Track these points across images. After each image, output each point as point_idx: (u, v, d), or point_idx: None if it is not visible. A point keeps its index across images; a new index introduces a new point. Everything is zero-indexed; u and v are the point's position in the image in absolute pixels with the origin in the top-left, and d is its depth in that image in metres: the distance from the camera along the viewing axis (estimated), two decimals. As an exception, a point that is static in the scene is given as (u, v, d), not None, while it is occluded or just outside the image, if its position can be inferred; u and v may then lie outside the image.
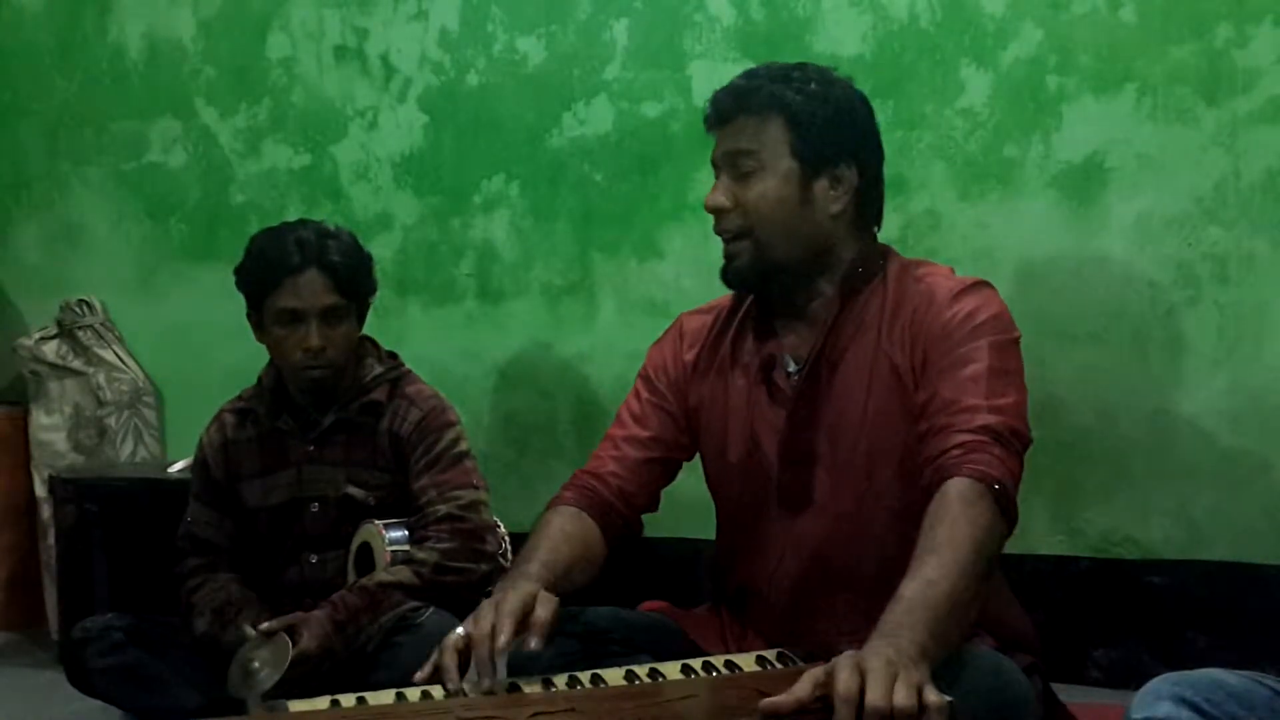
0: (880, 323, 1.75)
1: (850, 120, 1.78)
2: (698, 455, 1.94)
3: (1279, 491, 2.65)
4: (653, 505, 1.92)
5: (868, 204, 1.80)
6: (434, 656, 1.52)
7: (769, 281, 1.79)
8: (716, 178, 1.79)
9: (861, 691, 1.25)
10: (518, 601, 1.55)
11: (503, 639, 1.50)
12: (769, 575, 1.81)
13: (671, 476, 1.93)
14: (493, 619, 1.52)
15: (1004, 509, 1.56)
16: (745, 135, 1.75)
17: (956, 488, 1.55)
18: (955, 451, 1.59)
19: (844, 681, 1.25)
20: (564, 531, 1.78)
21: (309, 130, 3.50)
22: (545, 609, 1.55)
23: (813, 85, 1.76)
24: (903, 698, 1.25)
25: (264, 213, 3.42)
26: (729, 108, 1.77)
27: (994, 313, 1.71)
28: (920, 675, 1.29)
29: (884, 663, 1.28)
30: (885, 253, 1.82)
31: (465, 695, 1.46)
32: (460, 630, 1.54)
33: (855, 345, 1.76)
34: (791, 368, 1.79)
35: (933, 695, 1.27)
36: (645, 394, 1.92)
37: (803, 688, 1.28)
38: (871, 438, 1.73)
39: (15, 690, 3.11)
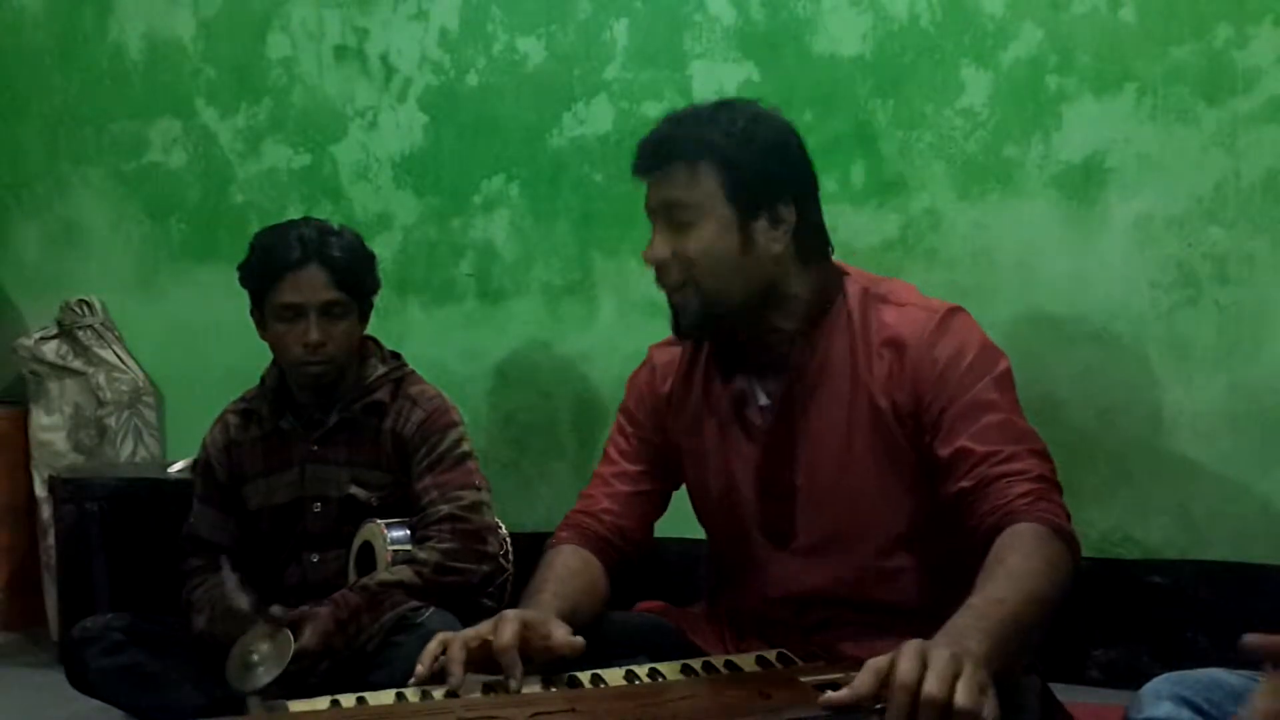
0: (854, 357, 1.71)
1: (782, 156, 1.73)
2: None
3: (1279, 491, 2.65)
4: (649, 538, 1.90)
5: (809, 236, 1.74)
6: (434, 649, 1.50)
7: (721, 329, 1.75)
8: (653, 226, 1.73)
9: (920, 682, 1.22)
10: (518, 622, 1.52)
11: (518, 672, 1.47)
12: (761, 601, 1.80)
13: (664, 506, 1.92)
14: (516, 628, 1.50)
15: (1074, 555, 1.55)
16: (677, 185, 1.69)
17: (1031, 529, 1.52)
18: (1021, 502, 1.56)
19: (904, 669, 1.23)
20: (569, 568, 1.76)
21: (309, 130, 3.50)
22: (560, 632, 1.53)
23: (740, 125, 1.70)
24: (963, 696, 1.22)
25: (264, 213, 3.42)
26: (657, 156, 1.71)
27: (981, 344, 1.68)
28: (984, 678, 1.26)
29: (949, 656, 1.25)
30: (841, 276, 1.77)
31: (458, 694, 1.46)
32: (473, 631, 1.52)
33: (827, 379, 1.72)
34: (764, 401, 1.77)
35: (992, 704, 1.24)
36: (629, 429, 1.90)
37: (864, 681, 1.25)
38: (853, 474, 1.70)
39: (15, 690, 3.11)
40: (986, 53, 2.82)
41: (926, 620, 1.47)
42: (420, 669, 1.49)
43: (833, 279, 1.76)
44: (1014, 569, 1.47)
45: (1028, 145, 2.80)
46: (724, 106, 1.74)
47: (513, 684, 1.46)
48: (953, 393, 1.64)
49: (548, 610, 1.59)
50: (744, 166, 1.68)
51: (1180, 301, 2.70)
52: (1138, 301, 2.72)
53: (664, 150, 1.71)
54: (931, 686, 1.21)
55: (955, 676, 1.23)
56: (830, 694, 1.26)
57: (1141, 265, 2.72)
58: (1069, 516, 1.58)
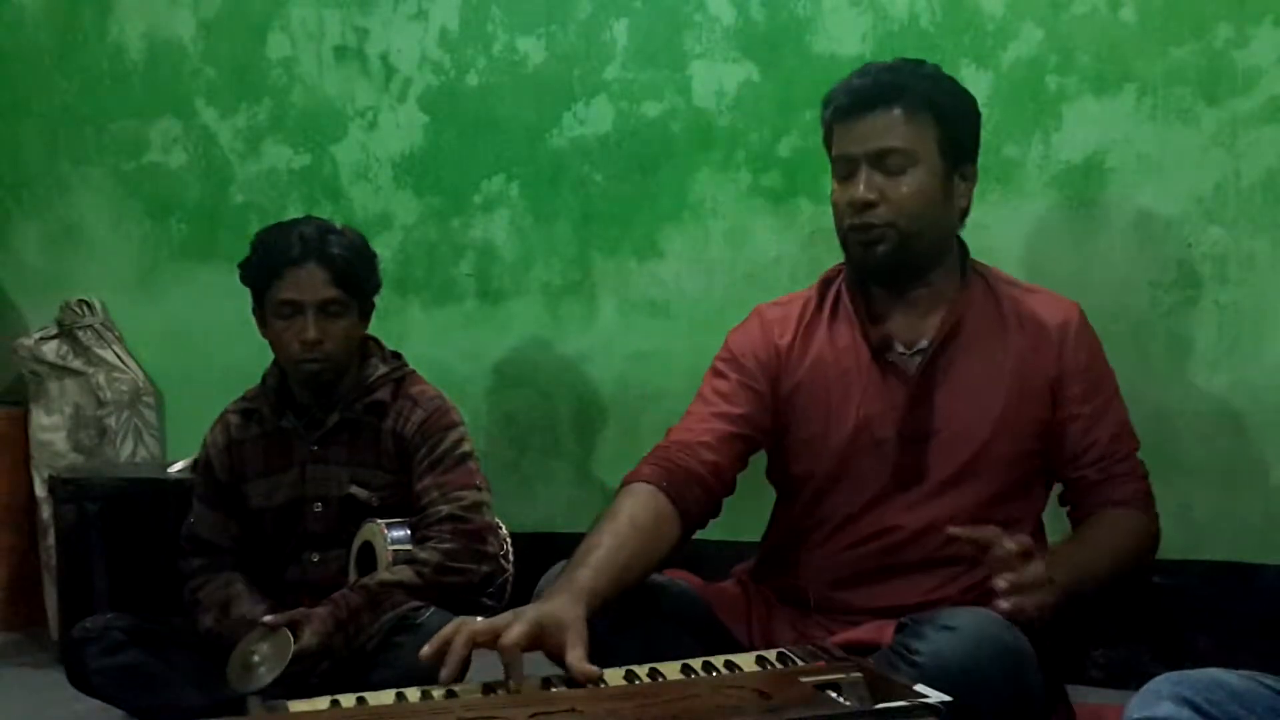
0: (1002, 330, 1.87)
1: (977, 120, 1.90)
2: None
3: (1279, 492, 2.64)
4: (733, 488, 1.87)
5: (970, 201, 1.90)
6: (446, 633, 1.49)
7: (901, 271, 1.85)
8: (841, 173, 1.84)
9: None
10: (526, 625, 1.48)
11: (518, 674, 1.45)
12: (848, 557, 1.84)
13: (747, 462, 1.92)
14: (527, 631, 1.48)
15: (1156, 544, 1.90)
16: (897, 132, 1.79)
17: (1139, 519, 1.87)
18: (1136, 497, 1.88)
19: (1018, 543, 1.57)
20: (632, 519, 1.69)
21: (309, 130, 3.50)
22: (575, 654, 1.48)
23: (951, 86, 1.86)
24: (1031, 601, 1.54)
25: (264, 213, 3.42)
26: (879, 99, 1.80)
27: (1098, 340, 1.94)
28: (1050, 600, 1.57)
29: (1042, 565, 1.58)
30: (966, 252, 1.94)
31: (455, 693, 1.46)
32: (486, 624, 1.49)
33: (975, 343, 1.85)
34: (903, 350, 1.85)
35: (1034, 604, 1.55)
36: (733, 375, 1.91)
37: (990, 533, 1.59)
38: (987, 426, 1.82)
39: (15, 690, 3.10)
40: (986, 53, 2.81)
41: (970, 577, 1.75)
42: (426, 649, 1.48)
43: (967, 253, 1.94)
44: (1112, 541, 1.80)
45: (1028, 145, 2.80)
46: (924, 63, 1.87)
47: (511, 684, 1.45)
48: (1093, 388, 1.87)
49: (578, 598, 1.54)
50: (958, 123, 1.83)
51: (1180, 301, 2.70)
52: (1138, 301, 2.72)
53: (888, 95, 1.80)
54: (1031, 572, 1.54)
55: (1040, 584, 1.55)
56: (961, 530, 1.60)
57: (1142, 265, 2.72)
58: (1155, 504, 1.91)
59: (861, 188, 1.79)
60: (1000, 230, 2.81)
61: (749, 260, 3.06)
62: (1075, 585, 1.66)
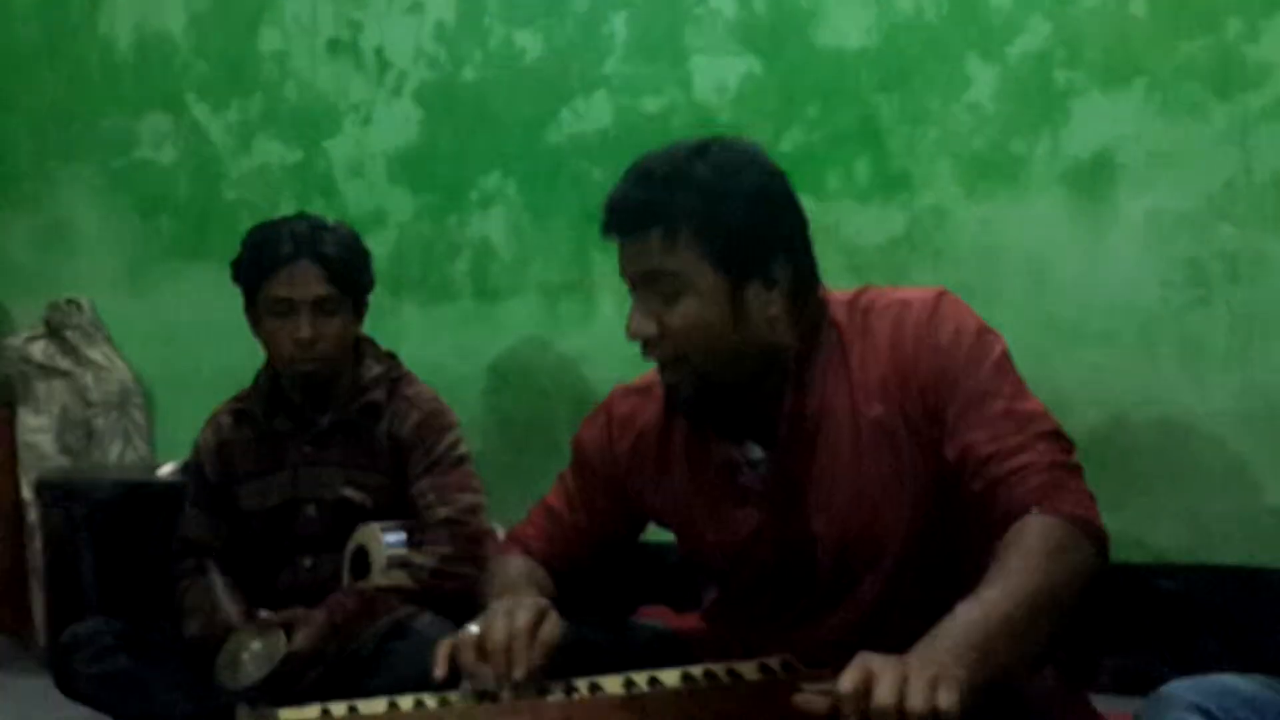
0: (850, 384, 1.59)
1: (768, 210, 1.56)
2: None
3: (1292, 495, 2.63)
4: (589, 570, 1.84)
5: (803, 284, 1.59)
6: (446, 654, 1.49)
7: (722, 399, 1.61)
8: (631, 292, 1.59)
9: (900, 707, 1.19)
10: (530, 616, 1.50)
11: (519, 671, 1.45)
12: (777, 640, 1.66)
13: (609, 545, 1.84)
14: (508, 632, 1.48)
15: (1096, 542, 1.45)
16: (655, 254, 1.53)
17: (1037, 523, 1.43)
18: (1031, 497, 1.45)
19: (882, 695, 1.20)
20: (522, 569, 1.75)
21: (302, 125, 3.49)
22: (551, 629, 1.50)
23: (716, 182, 1.53)
24: (915, 698, 1.19)
25: (256, 210, 3.40)
26: (629, 222, 1.56)
27: (973, 327, 1.56)
28: (938, 674, 1.21)
29: (896, 663, 1.22)
30: (825, 304, 1.63)
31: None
32: (474, 629, 1.50)
33: (826, 416, 1.60)
34: (757, 454, 1.65)
35: (946, 696, 1.20)
36: (575, 480, 1.83)
37: (851, 679, 1.23)
38: (871, 505, 1.59)
39: (2, 697, 3.11)
40: (993, 46, 2.80)
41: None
42: (439, 672, 1.48)
43: (820, 312, 1.62)
44: (1011, 567, 1.38)
45: (1035, 141, 2.78)
46: (699, 153, 1.56)
47: (504, 694, 1.44)
48: (952, 387, 1.53)
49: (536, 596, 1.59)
50: (727, 230, 1.52)
51: (1191, 301, 2.68)
52: (1147, 301, 2.71)
53: (637, 218, 1.55)
54: (879, 694, 1.19)
55: (904, 680, 1.21)
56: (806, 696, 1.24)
57: (1151, 264, 2.71)
58: (1091, 498, 1.49)
59: (635, 321, 1.57)
60: (1006, 228, 2.82)
61: (750, 258, 3.04)
62: (993, 642, 1.31)
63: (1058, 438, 1.52)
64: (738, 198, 1.53)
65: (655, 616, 1.85)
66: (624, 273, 1.59)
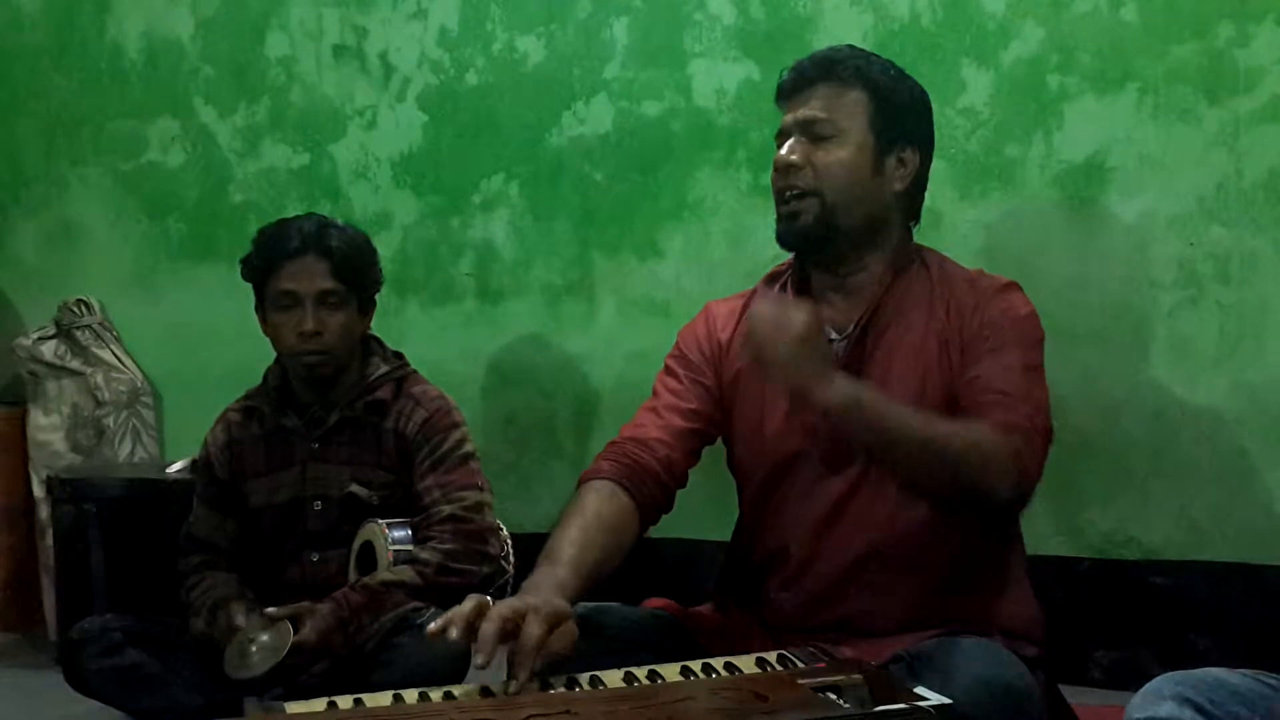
0: (929, 302, 1.83)
1: (921, 109, 1.89)
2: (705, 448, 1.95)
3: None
4: (685, 481, 1.91)
5: (918, 192, 1.90)
6: (468, 613, 1.51)
7: (826, 244, 1.84)
8: (779, 143, 1.84)
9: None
10: (540, 631, 1.50)
11: (522, 676, 1.48)
12: (802, 535, 1.83)
13: (699, 455, 1.93)
14: (520, 643, 1.50)
15: (1013, 482, 1.69)
16: (826, 103, 1.82)
17: (984, 430, 1.69)
18: (996, 417, 1.71)
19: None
20: (600, 518, 1.74)
21: (308, 129, 3.50)
22: (563, 641, 1.53)
23: (892, 70, 1.87)
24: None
25: (262, 212, 3.42)
26: (811, 75, 1.84)
27: (1030, 311, 1.85)
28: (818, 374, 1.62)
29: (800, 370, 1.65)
30: (918, 246, 1.93)
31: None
32: (504, 611, 1.50)
33: (902, 320, 1.83)
34: (833, 336, 1.84)
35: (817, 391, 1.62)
36: (682, 370, 1.94)
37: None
38: (919, 402, 1.77)
39: (13, 692, 3.10)
40: (988, 52, 2.81)
41: (937, 581, 1.73)
42: (454, 633, 1.50)
43: (913, 245, 1.92)
44: (934, 418, 1.70)
45: (1029, 144, 2.79)
46: (870, 54, 1.89)
47: (513, 685, 1.46)
48: (991, 333, 1.80)
49: (562, 594, 1.59)
50: (892, 103, 1.83)
51: (1182, 301, 2.69)
52: (1139, 301, 2.71)
53: (820, 71, 1.84)
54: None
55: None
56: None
57: (1143, 265, 2.71)
58: (1040, 462, 1.74)
59: (786, 149, 1.82)
60: (1001, 230, 2.81)
61: (749, 260, 3.05)
62: (869, 408, 1.66)
63: (1039, 414, 1.78)
64: (904, 87, 1.87)
65: (660, 609, 1.89)
66: (783, 126, 1.85)
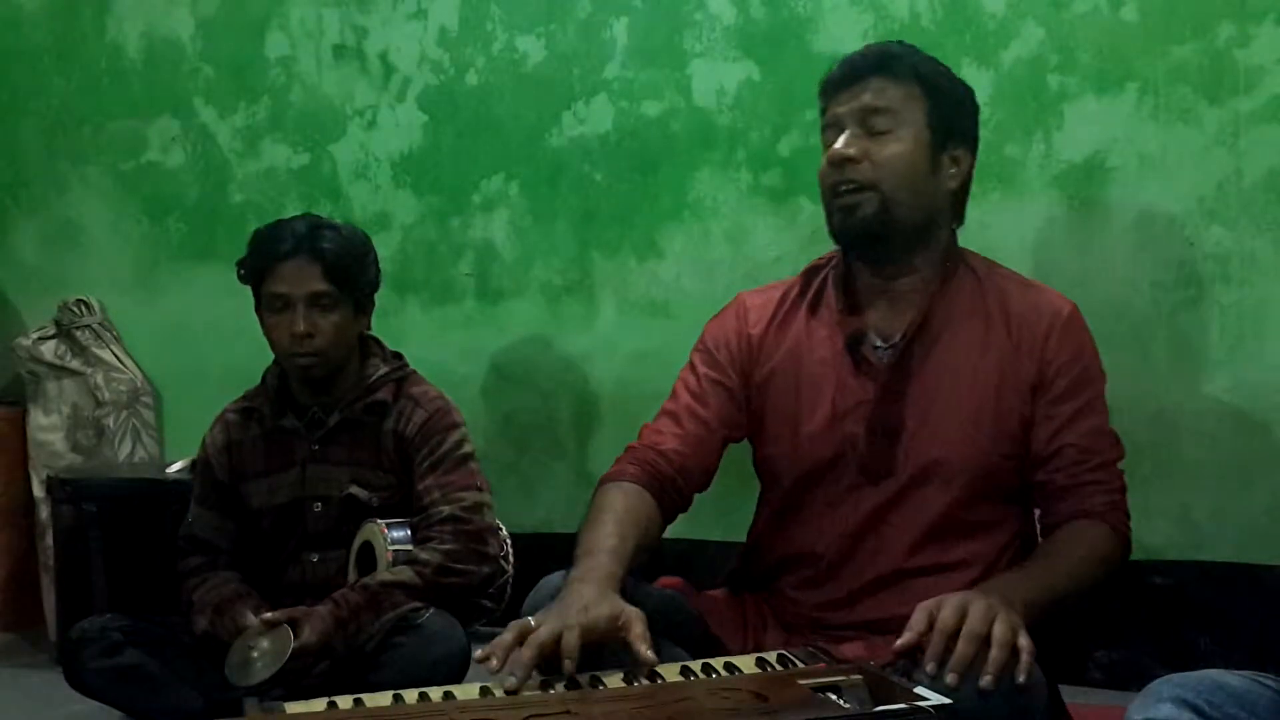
0: (985, 317, 1.82)
1: (972, 108, 1.89)
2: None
3: (1281, 492, 2.64)
4: (706, 485, 1.91)
5: (965, 193, 1.88)
6: (509, 641, 1.50)
7: (883, 240, 1.81)
8: (828, 140, 1.82)
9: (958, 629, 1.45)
10: (580, 637, 1.50)
11: (523, 676, 1.47)
12: (831, 540, 1.82)
13: (720, 455, 1.92)
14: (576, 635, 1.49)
15: (1124, 557, 1.79)
16: (884, 95, 1.79)
17: (1101, 531, 1.75)
18: (1101, 508, 1.76)
19: (945, 616, 1.46)
20: (631, 512, 1.75)
21: (308, 129, 3.50)
22: (638, 628, 1.52)
23: (943, 68, 1.87)
24: (1000, 630, 1.44)
25: (262, 212, 3.41)
26: (865, 69, 1.82)
27: (1094, 351, 1.86)
28: (1018, 623, 1.48)
29: (987, 605, 1.48)
30: (962, 249, 1.91)
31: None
32: (544, 637, 1.49)
33: (952, 332, 1.81)
34: (878, 344, 1.83)
35: (1025, 639, 1.46)
36: (704, 369, 1.92)
37: (918, 619, 1.48)
38: (961, 422, 1.78)
39: (13, 691, 3.10)
40: (988, 51, 2.81)
41: (962, 586, 1.65)
42: (494, 663, 1.49)
43: (957, 247, 1.89)
44: (1074, 555, 1.70)
45: (1029, 144, 2.79)
46: (920, 50, 1.88)
47: (507, 685, 1.46)
48: (1072, 388, 1.79)
49: (613, 585, 1.59)
50: (947, 101, 1.82)
51: (1182, 301, 2.69)
52: (1140, 301, 2.71)
53: (877, 65, 1.82)
54: (972, 623, 1.45)
55: (992, 621, 1.46)
56: (899, 642, 1.47)
57: (1143, 265, 2.71)
58: (1129, 517, 1.80)
59: (842, 142, 1.79)
60: (1002, 230, 2.81)
61: (749, 260, 3.06)
62: (1039, 599, 1.61)
63: (1120, 462, 1.83)
64: (957, 85, 1.87)
65: (674, 589, 1.88)
66: (836, 112, 1.82)
